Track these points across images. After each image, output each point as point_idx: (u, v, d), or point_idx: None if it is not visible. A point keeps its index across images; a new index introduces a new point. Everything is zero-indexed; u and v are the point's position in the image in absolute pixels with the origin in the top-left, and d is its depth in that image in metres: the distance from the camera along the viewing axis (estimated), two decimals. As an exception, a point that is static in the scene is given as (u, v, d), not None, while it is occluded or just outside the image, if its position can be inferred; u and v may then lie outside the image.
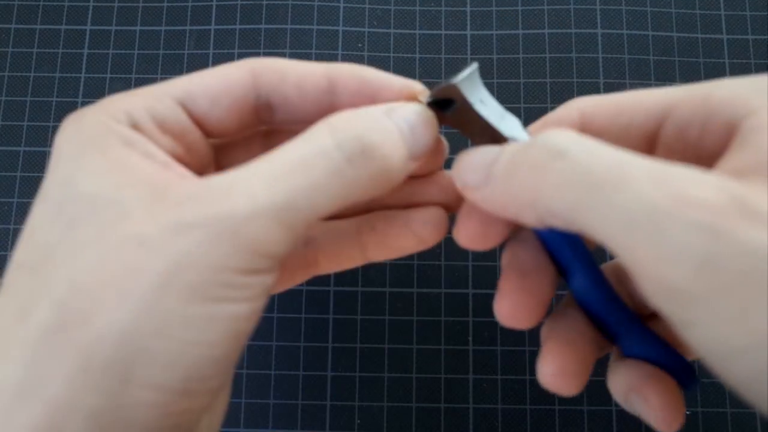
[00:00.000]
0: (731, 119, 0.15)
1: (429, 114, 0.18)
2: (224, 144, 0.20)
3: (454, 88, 0.17)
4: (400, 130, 0.17)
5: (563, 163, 0.14)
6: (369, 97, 0.18)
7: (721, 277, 0.12)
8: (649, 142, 0.18)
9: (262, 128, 0.20)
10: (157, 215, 0.14)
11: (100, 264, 0.14)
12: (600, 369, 0.26)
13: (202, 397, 0.15)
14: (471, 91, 0.17)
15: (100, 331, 0.13)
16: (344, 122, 0.16)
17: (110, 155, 0.15)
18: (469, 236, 0.18)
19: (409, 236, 0.20)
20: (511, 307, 0.18)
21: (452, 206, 0.20)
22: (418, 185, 0.20)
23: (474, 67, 0.18)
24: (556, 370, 0.18)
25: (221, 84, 0.18)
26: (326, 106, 0.18)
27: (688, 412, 0.25)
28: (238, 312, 0.15)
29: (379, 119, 0.17)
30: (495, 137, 0.17)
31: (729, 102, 0.16)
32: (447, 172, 0.20)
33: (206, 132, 0.18)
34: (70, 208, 0.15)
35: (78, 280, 0.14)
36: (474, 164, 0.17)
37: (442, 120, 0.18)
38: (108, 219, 0.14)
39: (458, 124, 0.18)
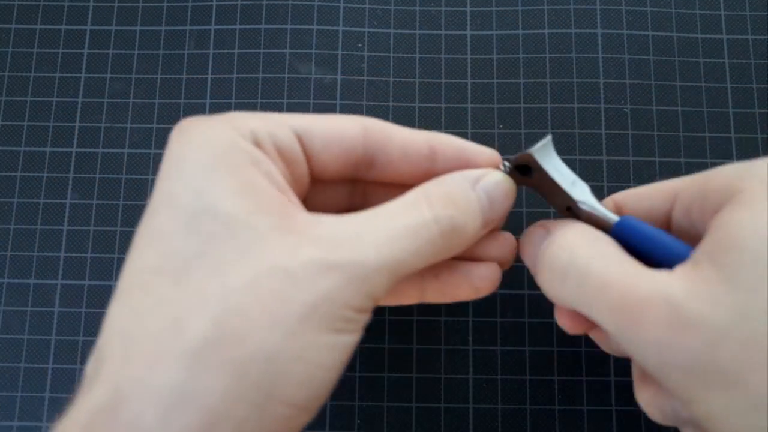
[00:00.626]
0: (720, 205, 0.17)
1: (507, 185, 0.21)
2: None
3: (530, 157, 0.20)
4: (481, 203, 0.20)
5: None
6: (464, 165, 0.21)
7: None
8: (668, 220, 0.20)
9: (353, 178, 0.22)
10: (295, 250, 0.16)
11: (252, 289, 0.15)
12: (600, 369, 0.26)
13: (312, 413, 0.17)
14: (546, 159, 0.20)
15: (253, 351, 0.15)
16: (440, 198, 0.19)
17: (240, 175, 0.17)
18: (566, 325, 0.21)
19: (466, 287, 0.22)
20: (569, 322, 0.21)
21: (507, 263, 0.23)
22: (480, 241, 0.22)
23: (548, 138, 0.20)
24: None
25: (336, 131, 0.19)
26: (424, 170, 0.21)
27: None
28: (351, 342, 0.17)
29: (467, 193, 0.19)
30: (566, 200, 0.21)
31: (721, 190, 0.17)
32: (505, 233, 0.23)
33: (310, 170, 0.20)
34: (207, 224, 0.16)
35: (233, 300, 0.15)
36: (526, 252, 0.22)
37: (521, 182, 0.21)
38: (247, 243, 0.16)
39: (535, 187, 0.21)
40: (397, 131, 0.20)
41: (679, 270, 0.17)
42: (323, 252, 0.16)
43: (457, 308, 0.27)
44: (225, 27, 0.29)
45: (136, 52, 0.29)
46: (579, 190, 0.20)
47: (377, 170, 0.21)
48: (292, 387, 0.15)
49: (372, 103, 0.28)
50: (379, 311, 0.27)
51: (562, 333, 0.26)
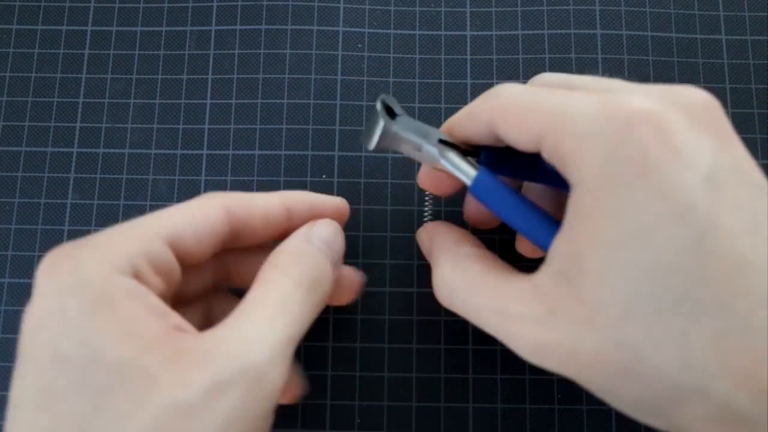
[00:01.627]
0: (570, 180, 0.17)
1: (333, 227, 0.22)
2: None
3: (393, 136, 0.21)
4: (320, 249, 0.21)
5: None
6: (316, 216, 0.23)
7: None
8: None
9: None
10: (187, 379, 0.16)
11: None
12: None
13: None
14: (384, 143, 0.21)
15: None
16: (288, 263, 0.20)
17: (121, 314, 0.16)
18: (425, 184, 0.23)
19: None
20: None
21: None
22: None
23: (379, 105, 0.21)
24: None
25: (203, 223, 0.20)
26: (283, 229, 0.22)
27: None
28: (270, 424, 0.17)
29: (305, 246, 0.21)
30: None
31: (569, 160, 0.17)
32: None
33: (182, 263, 0.20)
34: (97, 376, 0.15)
35: None
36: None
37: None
38: (140, 386, 0.15)
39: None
40: (255, 202, 0.21)
41: (541, 290, 0.17)
42: (215, 371, 0.16)
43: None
44: (225, 27, 0.29)
45: (137, 52, 0.29)
46: (427, 154, 0.21)
47: (241, 240, 0.21)
48: None
49: (372, 102, 0.29)
50: (379, 312, 0.27)
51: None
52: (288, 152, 0.28)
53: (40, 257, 0.27)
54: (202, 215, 0.20)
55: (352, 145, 0.28)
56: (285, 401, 0.22)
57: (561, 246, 0.17)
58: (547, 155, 0.18)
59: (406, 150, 0.21)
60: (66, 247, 0.18)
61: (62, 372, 0.16)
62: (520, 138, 0.18)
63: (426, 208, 0.25)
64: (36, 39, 0.30)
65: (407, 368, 0.26)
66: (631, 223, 0.15)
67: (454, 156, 0.20)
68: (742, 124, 0.28)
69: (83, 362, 0.16)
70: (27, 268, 0.27)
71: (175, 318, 0.18)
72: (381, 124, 0.21)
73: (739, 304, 0.15)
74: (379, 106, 0.21)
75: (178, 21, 0.30)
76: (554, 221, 0.18)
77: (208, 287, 0.23)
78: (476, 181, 0.20)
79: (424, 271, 0.27)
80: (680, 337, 0.15)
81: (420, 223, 0.27)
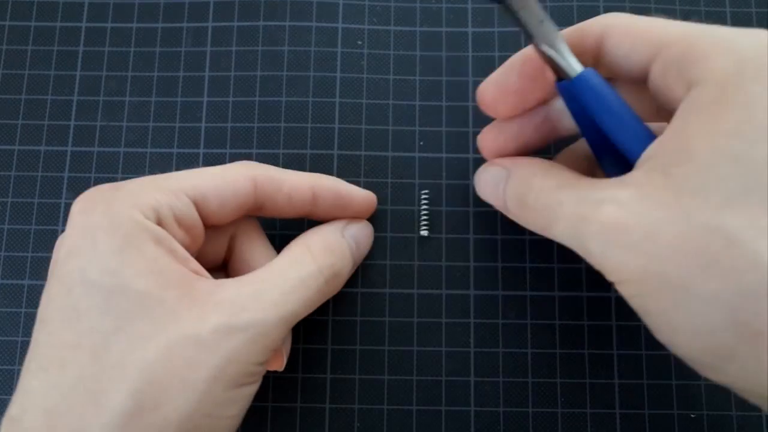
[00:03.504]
0: (691, 83, 0.17)
1: (368, 229, 0.25)
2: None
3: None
4: (350, 247, 0.23)
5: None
6: (341, 208, 0.24)
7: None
8: (645, 71, 0.19)
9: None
10: (202, 317, 0.18)
11: (166, 358, 0.17)
12: (604, 372, 0.26)
13: None
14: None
15: (167, 415, 0.17)
16: (320, 250, 0.22)
17: (147, 254, 0.18)
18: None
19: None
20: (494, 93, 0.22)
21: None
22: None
23: None
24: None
25: (229, 190, 0.21)
26: (306, 212, 0.23)
27: (693, 415, 0.25)
28: (253, 391, 0.20)
29: (340, 241, 0.23)
30: (531, 39, 0.20)
31: (698, 63, 0.16)
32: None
33: (205, 223, 0.21)
34: (121, 302, 0.17)
35: (149, 370, 0.17)
36: (487, 191, 0.23)
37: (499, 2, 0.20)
38: (159, 316, 0.18)
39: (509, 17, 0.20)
40: (285, 180, 0.22)
41: (631, 180, 0.17)
42: (227, 316, 0.18)
43: (459, 310, 0.26)
44: (222, 24, 0.29)
45: (132, 49, 0.29)
46: (546, 30, 0.19)
47: (264, 212, 0.23)
48: None
49: (372, 101, 0.28)
50: (379, 314, 0.26)
51: (565, 335, 0.26)
52: (286, 151, 0.28)
53: (33, 258, 0.27)
54: (231, 182, 0.21)
55: (352, 144, 0.28)
56: (270, 367, 0.23)
57: (663, 143, 0.17)
58: (661, 68, 0.18)
59: (526, 17, 0.19)
60: (100, 189, 0.20)
61: (88, 294, 0.17)
62: (633, 50, 0.18)
63: (423, 208, 0.26)
64: (29, 35, 0.29)
65: (408, 370, 0.26)
66: (757, 118, 0.15)
67: (566, 46, 0.20)
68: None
69: (109, 289, 0.17)
70: (20, 269, 0.27)
71: (194, 264, 0.20)
72: None
73: None
74: None
75: (174, 17, 0.29)
76: (651, 132, 0.18)
77: (225, 247, 0.24)
78: (586, 74, 0.19)
79: (424, 272, 0.26)
80: None
81: (418, 224, 0.26)
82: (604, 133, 0.19)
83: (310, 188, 0.23)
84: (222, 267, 0.24)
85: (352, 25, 0.29)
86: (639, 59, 0.19)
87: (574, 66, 0.19)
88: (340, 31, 0.29)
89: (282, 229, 0.27)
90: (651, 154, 0.17)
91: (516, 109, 0.23)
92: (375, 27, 0.29)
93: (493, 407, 0.25)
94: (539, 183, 0.20)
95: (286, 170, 0.23)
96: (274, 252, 0.24)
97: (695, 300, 0.15)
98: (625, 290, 0.17)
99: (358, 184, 0.27)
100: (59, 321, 0.18)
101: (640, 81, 0.19)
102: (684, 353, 0.17)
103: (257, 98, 0.28)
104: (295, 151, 0.28)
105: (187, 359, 0.17)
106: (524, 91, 0.22)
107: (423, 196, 0.26)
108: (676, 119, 0.17)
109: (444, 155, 0.27)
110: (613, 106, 0.19)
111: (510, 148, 0.23)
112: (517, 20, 0.20)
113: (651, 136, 0.18)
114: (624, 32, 0.19)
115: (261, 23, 0.29)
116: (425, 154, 0.28)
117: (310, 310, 0.21)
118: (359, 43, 0.29)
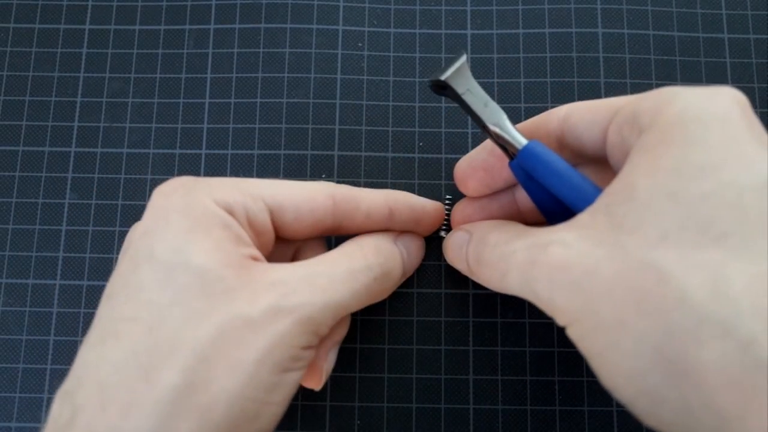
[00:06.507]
0: (642, 131, 0.17)
1: (420, 241, 0.26)
2: None
3: (443, 82, 0.21)
4: (401, 254, 0.24)
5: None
6: (415, 221, 0.24)
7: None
8: (604, 144, 0.20)
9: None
10: (255, 297, 0.18)
11: (218, 337, 0.17)
12: (601, 369, 0.26)
13: None
14: (459, 82, 0.21)
15: (216, 395, 0.17)
16: (371, 249, 0.22)
17: (212, 236, 0.19)
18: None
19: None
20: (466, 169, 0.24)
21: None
22: None
23: (462, 60, 0.21)
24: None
25: (307, 204, 0.21)
26: (382, 228, 0.24)
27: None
28: (298, 378, 0.19)
29: (391, 245, 0.23)
30: (478, 121, 0.21)
31: (647, 114, 0.17)
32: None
33: (277, 233, 0.22)
34: (181, 277, 0.18)
35: (201, 348, 0.17)
36: (452, 255, 0.24)
37: (442, 95, 0.22)
38: (215, 293, 0.18)
39: (457, 103, 0.22)
40: (362, 198, 0.23)
41: (576, 222, 0.17)
42: (277, 298, 0.18)
43: (458, 309, 0.26)
44: (224, 26, 0.29)
45: (135, 51, 0.29)
46: (490, 112, 0.21)
47: (341, 231, 0.23)
48: (247, 424, 0.17)
49: (372, 102, 0.28)
50: (379, 312, 0.26)
51: (563, 333, 0.26)
52: (287, 152, 0.28)
53: (37, 257, 0.27)
54: (309, 198, 0.21)
55: (352, 145, 0.28)
56: (307, 384, 0.23)
57: (611, 187, 0.17)
58: (617, 127, 0.19)
59: (471, 100, 0.21)
60: (182, 179, 0.20)
61: (153, 270, 0.18)
62: (594, 121, 0.20)
63: (444, 221, 0.26)
64: (33, 37, 0.29)
65: (407, 369, 0.26)
66: (700, 157, 0.15)
67: (510, 124, 0.21)
68: (744, 124, 0.28)
69: (172, 264, 0.18)
70: (24, 269, 0.27)
71: (255, 251, 0.20)
72: (463, 59, 0.21)
73: None
74: (464, 55, 0.21)
75: (176, 19, 0.29)
76: (600, 188, 0.19)
77: (288, 259, 0.24)
78: (530, 145, 0.20)
79: (424, 272, 0.27)
80: (717, 267, 0.14)
81: (438, 238, 0.27)
82: (556, 196, 0.20)
83: (386, 204, 0.23)
84: None
85: (353, 28, 0.29)
86: (599, 129, 0.19)
87: (519, 140, 0.20)
88: (340, 33, 0.29)
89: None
90: (600, 197, 0.17)
91: (485, 187, 0.24)
92: (375, 29, 0.29)
93: (492, 405, 0.26)
94: (495, 237, 0.20)
95: (359, 188, 0.23)
96: None
97: (627, 340, 0.15)
98: (572, 334, 0.17)
99: (358, 184, 0.27)
100: (123, 296, 0.18)
101: (601, 158, 0.20)
102: (623, 397, 0.16)
103: (258, 100, 0.28)
104: (296, 151, 0.28)
105: (238, 339, 0.17)
106: (492, 168, 0.23)
107: (446, 201, 0.27)
108: (625, 164, 0.17)
109: (443, 156, 0.28)
110: (559, 169, 0.20)
111: (475, 219, 0.25)
112: (462, 104, 0.21)
113: (600, 191, 0.18)
114: (585, 107, 0.20)
115: (262, 25, 0.29)
116: (425, 155, 0.28)
117: (359, 307, 0.21)
118: (359, 45, 0.29)
